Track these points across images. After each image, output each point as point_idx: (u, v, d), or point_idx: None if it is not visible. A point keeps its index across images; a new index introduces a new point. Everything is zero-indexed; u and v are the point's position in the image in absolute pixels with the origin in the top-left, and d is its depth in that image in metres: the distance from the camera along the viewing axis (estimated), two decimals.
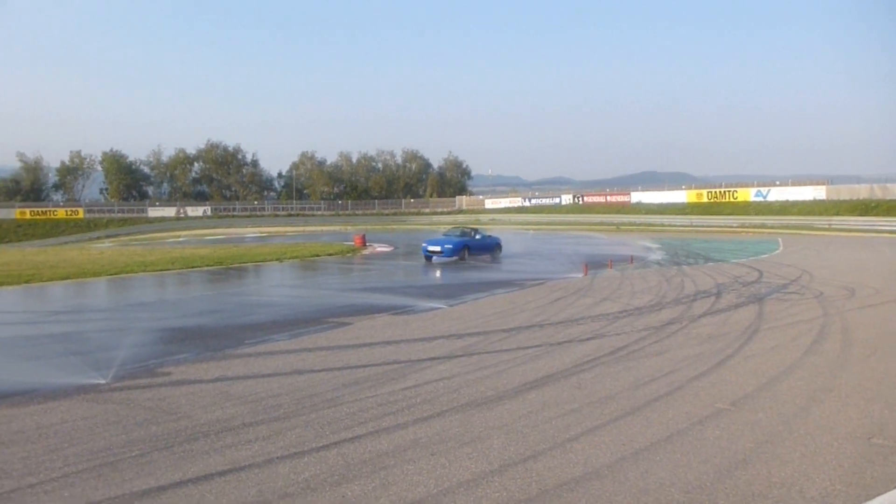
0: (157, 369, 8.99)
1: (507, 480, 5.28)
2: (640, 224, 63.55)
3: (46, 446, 6.06)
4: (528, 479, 5.30)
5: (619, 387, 8.02)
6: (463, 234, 28.64)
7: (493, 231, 38.86)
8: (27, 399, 7.56)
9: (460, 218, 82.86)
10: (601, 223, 65.54)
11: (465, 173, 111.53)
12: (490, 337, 11.24)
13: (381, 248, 36.17)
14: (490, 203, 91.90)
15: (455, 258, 26.61)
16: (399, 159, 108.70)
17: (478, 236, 28.74)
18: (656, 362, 9.33)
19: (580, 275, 21.22)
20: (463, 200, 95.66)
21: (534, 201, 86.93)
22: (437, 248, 26.83)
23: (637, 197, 75.59)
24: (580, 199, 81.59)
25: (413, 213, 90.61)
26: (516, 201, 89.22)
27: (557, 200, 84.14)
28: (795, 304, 14.80)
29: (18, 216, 77.11)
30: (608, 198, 79.03)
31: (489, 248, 28.83)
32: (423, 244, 28.08)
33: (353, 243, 36.77)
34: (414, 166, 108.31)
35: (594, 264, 24.16)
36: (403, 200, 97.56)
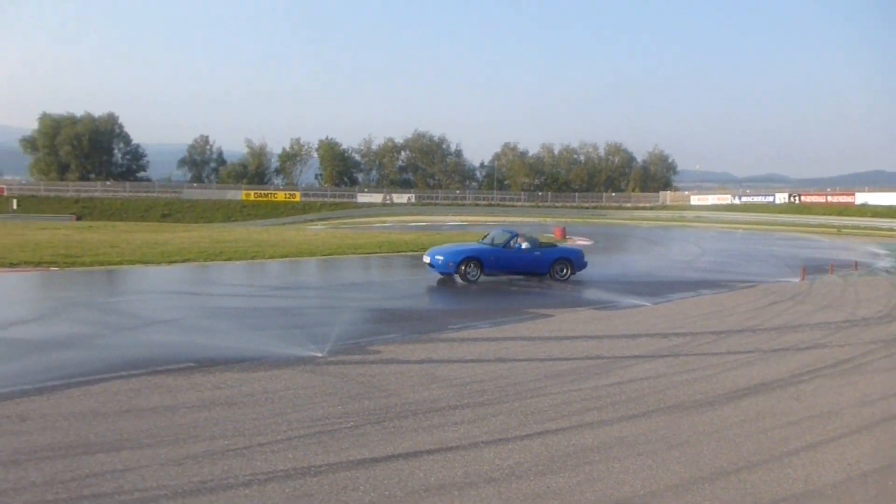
0: (367, 347, 9.47)
1: (719, 490, 5.03)
2: (865, 227, 58.03)
3: (272, 410, 6.56)
4: (741, 491, 5.02)
5: (844, 402, 7.40)
6: (508, 240, 18.31)
7: (698, 229, 37.02)
8: (256, 365, 8.23)
9: (663, 214, 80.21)
10: (819, 225, 60.62)
11: (671, 168, 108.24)
12: (697, 338, 10.78)
13: (581, 241, 35.69)
14: (696, 199, 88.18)
15: (454, 275, 17.49)
16: (602, 152, 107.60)
17: (517, 244, 18.23)
18: (887, 379, 8.52)
19: (796, 279, 19.79)
20: (667, 196, 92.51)
21: (744, 199, 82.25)
22: (428, 260, 18.08)
23: (862, 198, 69.23)
24: (796, 198, 76.19)
25: (614, 208, 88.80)
26: (725, 198, 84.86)
27: (770, 199, 79.10)
28: None
29: (244, 198, 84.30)
30: (828, 198, 73.25)
31: (533, 264, 18.30)
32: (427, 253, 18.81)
33: (552, 235, 36.66)
34: (616, 159, 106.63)
35: (812, 269, 22.39)
36: (604, 194, 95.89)
